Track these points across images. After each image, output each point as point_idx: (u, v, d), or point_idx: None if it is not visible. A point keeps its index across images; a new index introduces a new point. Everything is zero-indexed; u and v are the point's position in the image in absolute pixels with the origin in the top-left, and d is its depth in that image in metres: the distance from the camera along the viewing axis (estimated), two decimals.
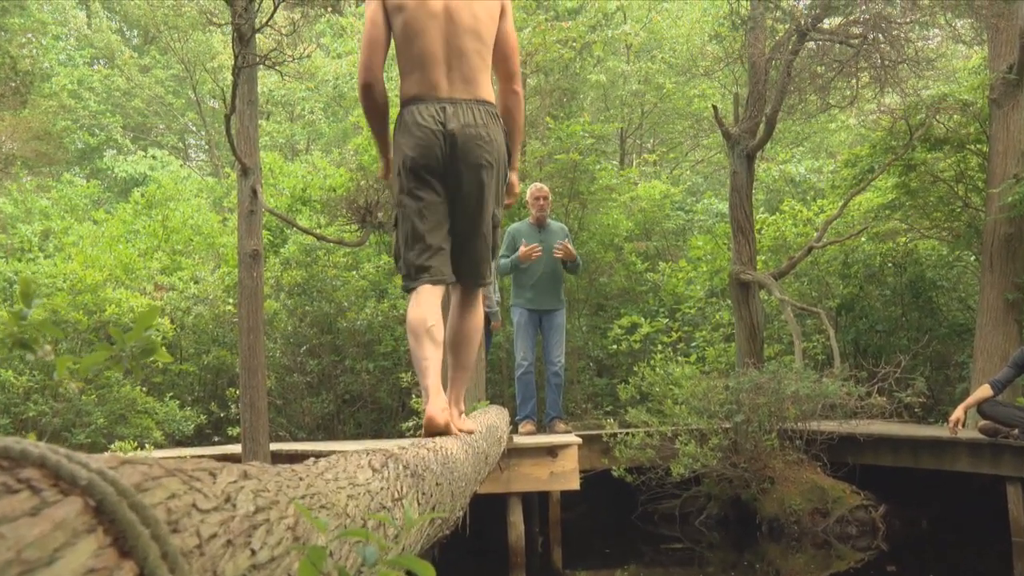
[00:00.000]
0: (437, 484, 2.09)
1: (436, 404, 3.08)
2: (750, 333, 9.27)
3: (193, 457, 0.99)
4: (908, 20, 9.19)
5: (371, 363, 10.38)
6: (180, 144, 24.62)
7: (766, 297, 10.24)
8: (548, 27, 11.91)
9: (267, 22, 6.60)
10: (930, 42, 12.52)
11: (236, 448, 7.21)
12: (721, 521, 7.98)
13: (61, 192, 17.30)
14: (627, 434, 7.87)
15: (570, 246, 7.73)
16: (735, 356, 9.66)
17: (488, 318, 7.47)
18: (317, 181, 12.02)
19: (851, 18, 9.23)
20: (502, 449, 4.92)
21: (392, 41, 3.35)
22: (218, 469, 0.87)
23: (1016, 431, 6.49)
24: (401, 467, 1.74)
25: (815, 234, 10.38)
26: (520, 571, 6.44)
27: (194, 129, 24.02)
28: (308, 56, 12.91)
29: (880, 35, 9.01)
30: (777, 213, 11.90)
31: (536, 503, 7.52)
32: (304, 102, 19.97)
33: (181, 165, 21.01)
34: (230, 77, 6.59)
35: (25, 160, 18.12)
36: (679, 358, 9.21)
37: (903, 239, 10.90)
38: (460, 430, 3.18)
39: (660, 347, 10.08)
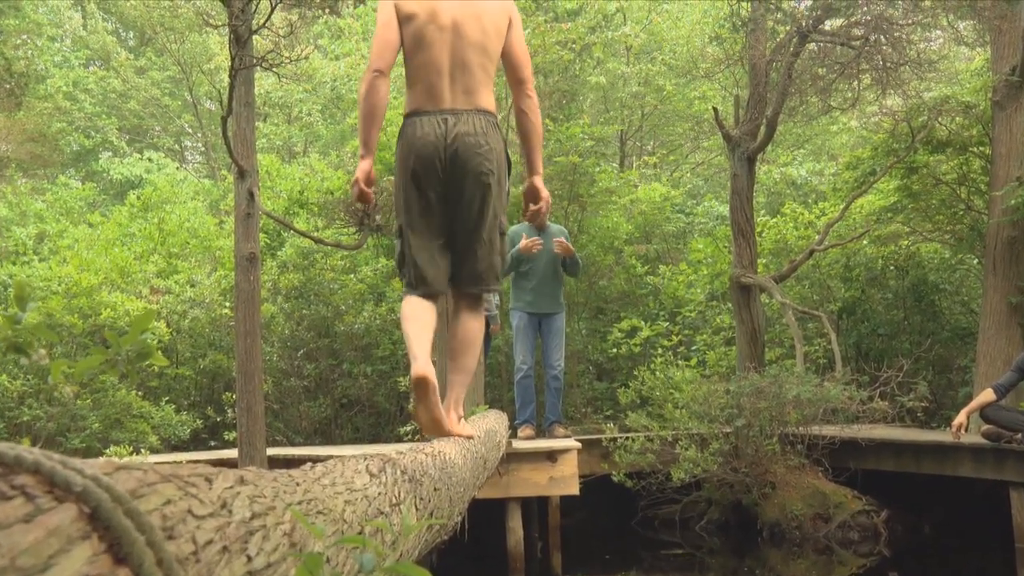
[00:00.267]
0: (435, 489, 2.09)
1: (421, 362, 3.11)
2: (751, 337, 9.27)
3: (189, 462, 0.99)
4: (910, 22, 9.20)
5: (369, 367, 10.38)
6: (176, 146, 24.62)
7: (767, 300, 10.24)
8: (548, 29, 11.92)
9: (264, 23, 6.60)
10: (932, 44, 12.53)
11: (232, 453, 7.20)
12: (722, 526, 7.98)
13: (56, 195, 17.30)
14: (627, 438, 7.86)
15: (562, 240, 7.73)
16: (736, 360, 9.66)
17: (487, 322, 7.47)
18: (314, 184, 12.02)
19: (852, 20, 9.25)
20: (501, 454, 4.92)
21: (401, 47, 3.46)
22: (214, 474, 0.87)
23: (1019, 435, 6.48)
24: (399, 472, 1.73)
25: (816, 237, 10.39)
26: None
27: (190, 131, 24.03)
28: (306, 58, 12.90)
29: (882, 37, 9.02)
30: (778, 216, 11.91)
31: (535, 508, 7.51)
32: (301, 104, 19.98)
33: (177, 167, 21.02)
34: (227, 79, 6.60)
35: (20, 162, 18.12)
36: (679, 362, 9.21)
37: (905, 242, 10.90)
38: (459, 435, 3.21)
39: (660, 351, 10.08)
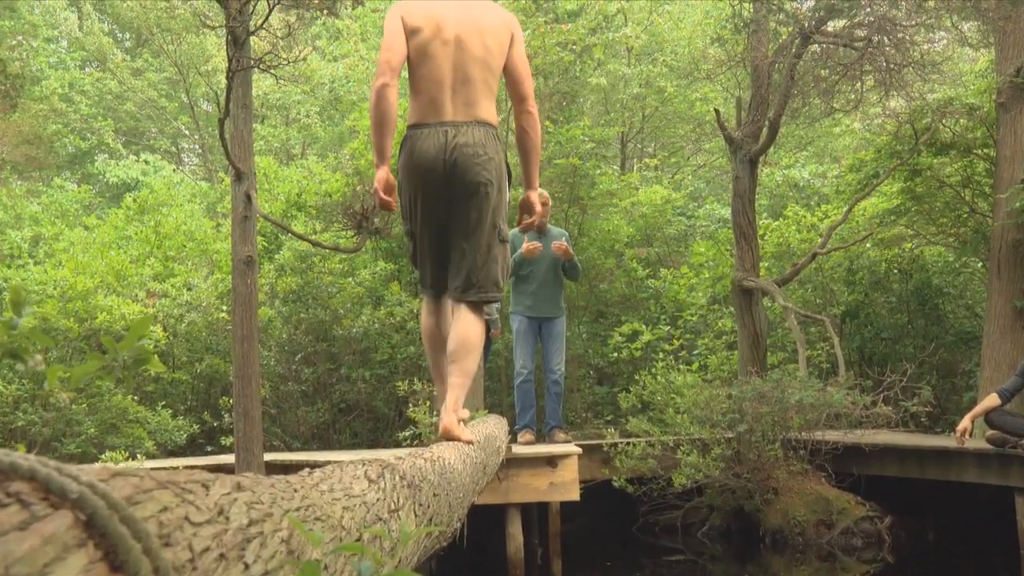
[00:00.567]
0: (434, 495, 2.09)
1: (449, 418, 3.33)
2: (753, 341, 9.27)
3: (186, 468, 0.99)
4: (913, 23, 9.20)
5: (367, 371, 10.38)
6: (173, 148, 24.64)
7: (769, 304, 10.25)
8: (548, 30, 11.93)
9: (262, 24, 6.61)
10: (936, 45, 12.54)
11: (229, 458, 7.20)
12: (724, 532, 7.97)
13: (52, 197, 17.31)
14: (628, 444, 7.86)
15: (562, 244, 7.73)
16: (738, 364, 9.66)
17: (487, 326, 7.48)
18: (312, 186, 12.02)
19: (855, 20, 9.25)
20: (501, 459, 4.92)
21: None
22: (211, 481, 0.87)
23: None
24: (398, 478, 1.73)
25: (819, 240, 10.40)
26: None
27: (187, 133, 24.04)
28: (303, 59, 12.91)
29: (885, 38, 9.03)
30: (780, 219, 11.91)
31: (535, 514, 7.51)
32: (299, 106, 19.98)
33: (174, 170, 21.02)
34: (224, 80, 6.60)
35: (15, 165, 18.14)
36: (681, 366, 9.21)
37: (909, 245, 10.91)
38: (461, 439, 3.28)
39: (661, 355, 10.06)
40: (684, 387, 8.17)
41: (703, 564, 7.37)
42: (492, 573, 6.95)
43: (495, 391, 10.59)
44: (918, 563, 7.32)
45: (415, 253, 3.72)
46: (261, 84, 18.25)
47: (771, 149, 11.11)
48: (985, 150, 9.74)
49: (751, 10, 9.56)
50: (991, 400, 6.67)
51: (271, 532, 0.92)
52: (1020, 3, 8.61)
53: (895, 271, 11.06)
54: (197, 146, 24.11)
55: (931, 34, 10.98)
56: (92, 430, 8.94)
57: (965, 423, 6.76)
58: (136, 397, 9.65)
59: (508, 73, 3.65)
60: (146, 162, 20.06)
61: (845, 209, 10.36)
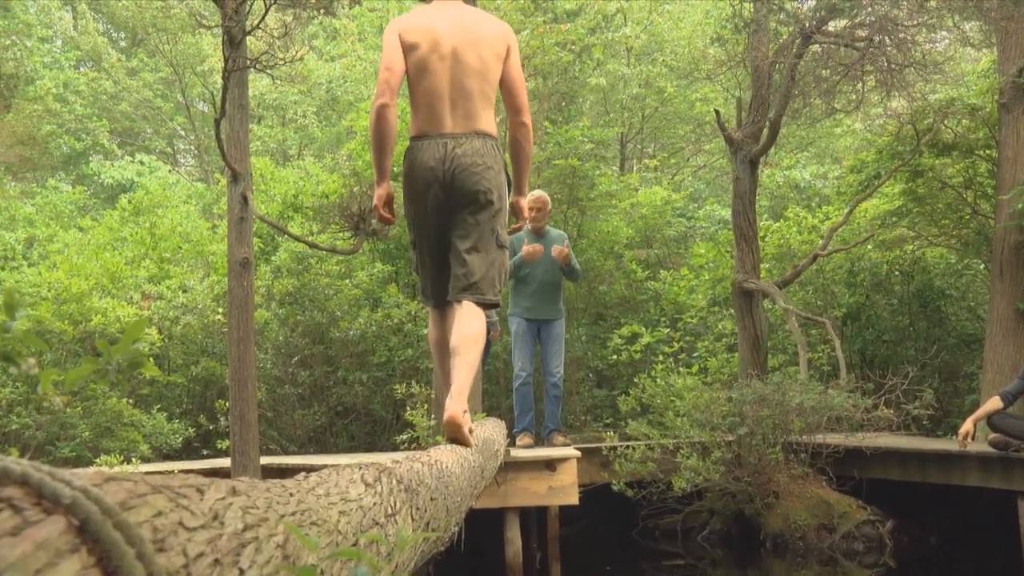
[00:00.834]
0: (432, 499, 2.09)
1: (454, 407, 3.35)
2: (754, 343, 9.28)
3: (181, 472, 0.99)
4: (915, 22, 9.21)
5: (364, 374, 10.37)
6: (168, 149, 24.62)
7: (770, 306, 10.25)
8: (546, 29, 11.94)
9: (258, 24, 6.61)
10: (938, 45, 12.55)
11: (225, 462, 7.19)
12: (724, 537, 7.97)
13: (46, 198, 17.29)
14: (627, 447, 7.86)
15: (564, 249, 7.73)
16: (738, 367, 9.66)
17: (487, 328, 7.47)
18: (309, 187, 12.02)
19: (856, 20, 9.26)
20: (499, 463, 4.92)
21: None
22: (206, 485, 0.87)
23: None
24: (395, 482, 1.73)
25: (820, 241, 10.40)
26: None
27: (183, 134, 24.03)
28: (300, 59, 12.92)
29: (886, 38, 9.04)
30: (781, 220, 11.91)
31: (534, 518, 7.51)
32: (296, 106, 19.98)
33: (169, 171, 21.00)
34: (220, 80, 6.60)
35: (9, 166, 18.13)
36: (681, 369, 9.21)
37: (910, 247, 10.91)
38: (464, 429, 3.32)
39: (661, 358, 10.07)
40: (684, 390, 8.17)
41: (703, 569, 7.37)
42: None
43: (493, 394, 10.59)
44: (920, 567, 7.32)
45: (418, 263, 3.86)
46: (258, 84, 18.25)
47: (772, 150, 11.11)
48: (987, 151, 9.75)
49: (751, 10, 9.57)
50: (993, 403, 6.67)
51: (266, 537, 0.92)
52: (1022, 3, 8.62)
53: (896, 273, 11.07)
54: (193, 147, 24.11)
55: (933, 34, 10.99)
56: (86, 434, 8.94)
57: (967, 426, 6.77)
58: (131, 400, 9.64)
59: (504, 84, 3.77)
60: (141, 163, 20.04)
61: (846, 210, 10.36)
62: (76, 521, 0.63)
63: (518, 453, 6.77)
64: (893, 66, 9.14)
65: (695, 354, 10.95)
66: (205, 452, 10.02)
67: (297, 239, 9.05)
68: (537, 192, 8.02)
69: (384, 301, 10.55)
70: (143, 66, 22.42)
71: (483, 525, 6.16)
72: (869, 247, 11.00)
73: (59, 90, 20.59)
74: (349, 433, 10.48)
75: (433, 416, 7.37)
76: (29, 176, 20.31)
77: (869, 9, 9.14)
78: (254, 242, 7.51)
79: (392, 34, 3.69)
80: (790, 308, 9.22)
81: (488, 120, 3.71)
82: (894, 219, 10.59)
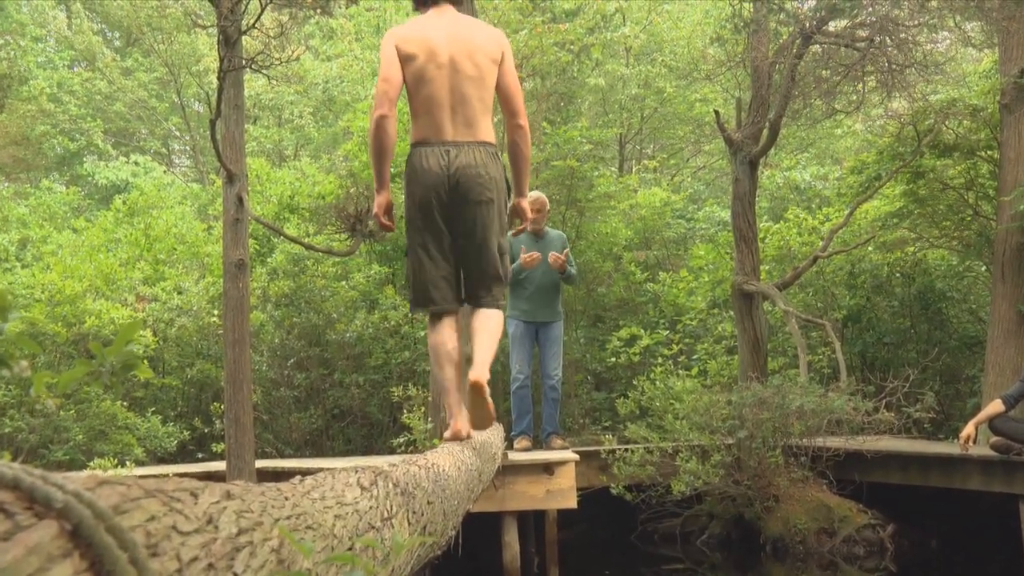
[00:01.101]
0: (428, 503, 2.09)
1: (460, 421, 3.67)
2: (753, 346, 9.28)
3: (176, 475, 0.99)
4: (916, 23, 9.22)
5: (361, 377, 10.37)
6: (163, 150, 24.61)
7: (770, 308, 10.25)
8: (545, 29, 11.95)
9: (254, 24, 6.61)
10: (939, 45, 12.57)
11: (220, 465, 7.19)
12: (723, 541, 7.97)
13: (40, 199, 17.28)
14: (626, 450, 7.86)
15: (563, 256, 7.73)
16: (738, 369, 9.66)
17: None
18: (305, 188, 12.02)
19: (857, 20, 9.27)
20: (496, 466, 4.91)
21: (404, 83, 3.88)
22: (200, 489, 0.87)
23: None
24: (391, 485, 1.73)
25: (820, 243, 10.41)
26: None
27: (178, 134, 24.02)
28: (296, 59, 12.93)
29: (887, 38, 9.04)
30: (781, 221, 11.92)
31: (532, 522, 7.51)
32: (292, 106, 19.99)
33: (164, 171, 21.00)
34: (215, 80, 6.60)
35: (2, 166, 18.12)
36: (680, 371, 9.21)
37: (911, 248, 10.92)
38: (486, 390, 3.69)
39: (660, 360, 10.08)
40: (683, 392, 8.17)
41: (703, 573, 7.37)
42: None
43: (491, 396, 10.57)
44: (921, 572, 7.32)
45: (410, 271, 3.93)
46: (253, 84, 18.24)
47: (772, 151, 11.11)
48: (989, 152, 9.76)
49: (751, 10, 9.57)
50: (995, 406, 6.67)
51: (261, 541, 0.92)
52: (1023, 3, 8.63)
53: (897, 275, 11.07)
54: (188, 147, 24.10)
55: (934, 34, 11.01)
56: (80, 437, 8.93)
57: (969, 429, 6.77)
58: (125, 403, 9.64)
59: (500, 89, 3.89)
60: (136, 163, 20.03)
61: (847, 212, 10.37)
62: (69, 525, 0.63)
63: (516, 456, 6.77)
64: (894, 66, 9.14)
65: (694, 356, 10.95)
66: (200, 455, 10.02)
67: (293, 240, 9.05)
68: (535, 193, 8.02)
69: (381, 303, 10.54)
70: (138, 66, 22.42)
71: (480, 529, 6.15)
72: (870, 249, 11.01)
73: (53, 90, 20.59)
74: (345, 436, 10.47)
75: (430, 419, 7.37)
76: (23, 177, 20.30)
77: (870, 9, 9.15)
78: (250, 243, 7.50)
79: (389, 45, 3.80)
80: (790, 310, 9.22)
81: (487, 127, 3.83)
82: (895, 221, 10.59)
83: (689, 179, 18.81)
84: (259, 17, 6.57)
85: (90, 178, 20.03)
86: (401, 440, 7.67)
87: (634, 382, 8.98)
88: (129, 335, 1.26)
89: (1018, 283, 8.68)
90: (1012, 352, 8.56)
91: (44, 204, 17.02)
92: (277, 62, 7.48)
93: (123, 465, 7.97)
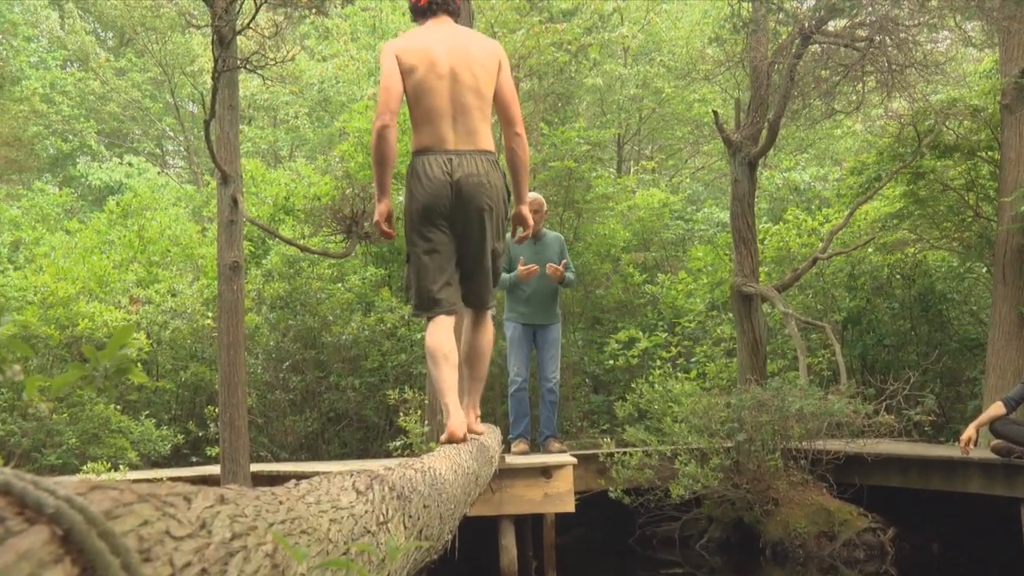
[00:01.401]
0: (425, 506, 2.08)
1: (456, 419, 3.72)
2: (752, 348, 9.28)
3: (170, 479, 0.99)
4: (916, 22, 9.23)
5: (357, 379, 10.36)
6: (157, 151, 24.59)
7: (769, 310, 10.25)
8: (542, 29, 11.95)
9: (248, 24, 6.61)
10: (939, 45, 12.59)
11: (215, 469, 7.18)
12: (723, 545, 7.97)
13: (32, 201, 17.25)
14: (624, 453, 7.86)
15: (560, 268, 7.72)
16: (737, 372, 9.66)
17: None
18: (301, 189, 12.01)
19: (857, 20, 9.28)
20: (493, 469, 4.91)
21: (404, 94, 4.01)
22: (193, 493, 0.87)
23: None
24: (387, 489, 1.73)
25: (820, 245, 10.41)
26: None
27: (172, 135, 24.01)
28: (291, 59, 12.91)
29: (887, 38, 9.05)
30: (780, 223, 11.93)
31: (529, 526, 7.50)
32: (287, 107, 19.98)
33: (158, 173, 20.97)
34: (210, 81, 6.60)
35: None
36: (679, 374, 9.21)
37: (912, 250, 10.93)
38: (475, 432, 3.92)
39: (659, 362, 10.08)
40: (682, 395, 8.18)
41: None
42: None
43: (488, 400, 10.58)
44: (922, 575, 7.33)
45: (411, 276, 4.04)
46: (248, 85, 18.24)
47: (771, 151, 11.12)
48: (989, 152, 9.77)
49: (750, 9, 9.58)
50: (996, 409, 6.68)
51: (255, 546, 0.92)
52: None
53: (898, 276, 11.08)
54: (182, 148, 24.08)
55: (934, 34, 11.03)
56: (73, 440, 8.91)
57: (970, 432, 6.76)
58: (119, 406, 9.62)
59: (497, 99, 4.05)
60: (130, 164, 20.01)
61: (846, 213, 10.37)
62: (60, 531, 0.63)
63: (513, 460, 6.77)
64: (894, 66, 9.15)
65: (693, 359, 10.95)
66: (194, 459, 10.00)
67: (288, 242, 9.04)
68: (533, 195, 8.01)
69: (377, 305, 10.53)
70: (131, 66, 22.40)
71: (478, 533, 6.16)
72: (870, 250, 11.01)
73: (46, 90, 20.56)
74: (341, 440, 10.46)
75: (427, 422, 7.37)
76: (15, 178, 20.27)
77: (869, 9, 9.16)
78: (244, 245, 7.50)
79: (389, 57, 3.94)
80: (789, 312, 9.22)
81: (487, 136, 4.00)
82: (895, 222, 10.60)
83: (688, 180, 18.83)
84: (254, 17, 6.57)
85: (83, 179, 20.00)
86: (397, 443, 7.66)
87: (632, 385, 8.98)
88: (123, 338, 1.26)
89: (1019, 285, 8.69)
90: (1013, 354, 8.56)
91: (37, 206, 16.99)
92: (272, 62, 7.48)
93: (116, 469, 7.95)
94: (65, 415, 9.07)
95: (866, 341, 10.71)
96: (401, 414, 7.75)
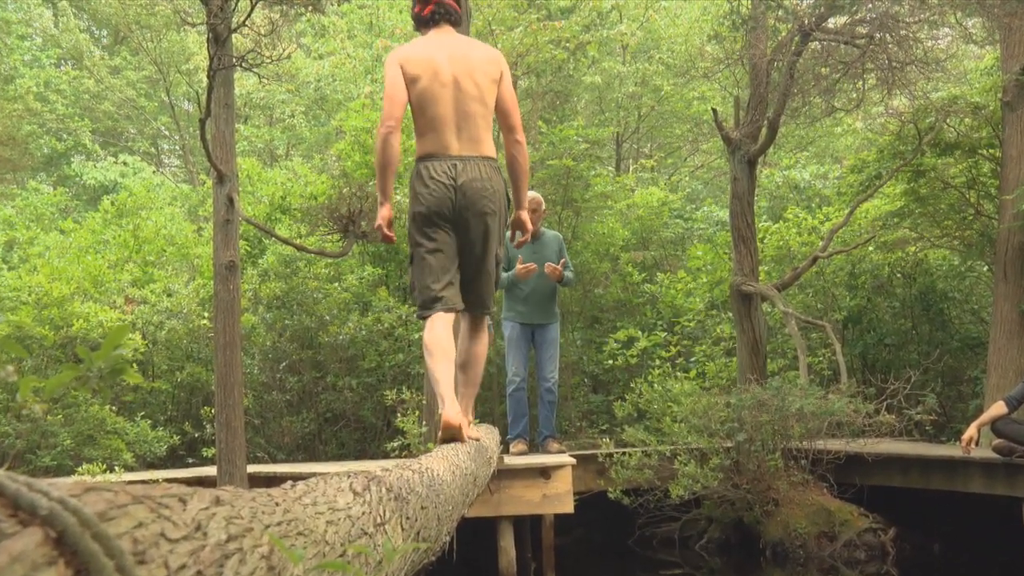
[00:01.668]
0: (422, 508, 2.08)
1: (452, 408, 3.81)
2: (752, 347, 9.28)
3: (166, 480, 0.99)
4: (917, 19, 9.23)
5: (354, 380, 10.35)
6: (152, 149, 24.59)
7: (769, 309, 10.26)
8: (540, 27, 11.95)
9: (244, 21, 6.60)
10: (940, 42, 12.58)
11: (211, 470, 7.18)
12: (723, 545, 7.98)
13: (26, 200, 17.24)
14: (624, 454, 7.86)
15: (559, 267, 7.72)
16: (737, 371, 9.66)
17: None
18: (297, 188, 12.00)
19: (857, 17, 9.28)
20: (492, 470, 4.91)
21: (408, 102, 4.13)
22: (188, 495, 0.87)
23: None
24: (384, 490, 1.73)
25: (820, 243, 10.41)
26: None
27: (167, 134, 24.00)
28: (288, 57, 12.90)
29: (887, 35, 9.05)
30: (780, 221, 11.93)
31: (528, 527, 7.49)
32: (284, 105, 19.96)
33: (154, 172, 20.97)
34: (205, 79, 6.60)
35: None
36: (678, 374, 9.21)
37: (912, 248, 10.93)
38: (469, 437, 3.89)
39: (658, 362, 10.08)
40: (681, 395, 8.17)
41: None
42: None
43: (486, 400, 10.58)
44: (923, 575, 7.34)
45: (416, 277, 4.15)
46: (244, 83, 18.22)
47: (770, 149, 11.12)
48: (990, 150, 9.77)
49: (749, 6, 9.58)
50: (997, 408, 6.69)
51: (251, 548, 0.92)
52: None
53: (898, 275, 11.09)
54: (178, 147, 24.08)
55: (935, 31, 11.02)
56: (68, 442, 8.91)
57: (971, 432, 6.77)
58: (114, 407, 9.62)
59: (498, 106, 4.18)
60: (125, 164, 20.00)
61: (847, 211, 10.37)
62: (54, 533, 0.62)
63: (512, 460, 6.77)
64: (894, 64, 9.15)
65: (693, 358, 10.95)
66: (190, 460, 10.00)
67: (285, 242, 9.04)
68: (531, 193, 8.02)
69: (374, 305, 10.53)
70: (126, 64, 22.39)
71: (476, 534, 6.16)
72: (870, 249, 11.01)
73: (40, 89, 20.54)
74: (338, 440, 10.46)
75: (424, 423, 7.37)
76: (9, 177, 20.22)
77: (870, 6, 9.15)
78: (240, 245, 7.50)
79: (394, 65, 4.08)
80: (789, 311, 9.23)
81: (489, 143, 4.13)
82: (895, 220, 10.60)
83: (687, 178, 18.83)
84: (249, 15, 6.57)
85: (78, 178, 20.00)
86: (395, 444, 7.66)
87: (632, 384, 8.98)
88: (118, 339, 1.26)
89: (1021, 283, 8.69)
90: (1015, 353, 8.57)
91: (31, 205, 16.98)
92: (268, 60, 7.48)
93: (112, 470, 7.95)
94: (60, 416, 9.06)
95: (867, 340, 10.72)
96: (399, 415, 7.75)
